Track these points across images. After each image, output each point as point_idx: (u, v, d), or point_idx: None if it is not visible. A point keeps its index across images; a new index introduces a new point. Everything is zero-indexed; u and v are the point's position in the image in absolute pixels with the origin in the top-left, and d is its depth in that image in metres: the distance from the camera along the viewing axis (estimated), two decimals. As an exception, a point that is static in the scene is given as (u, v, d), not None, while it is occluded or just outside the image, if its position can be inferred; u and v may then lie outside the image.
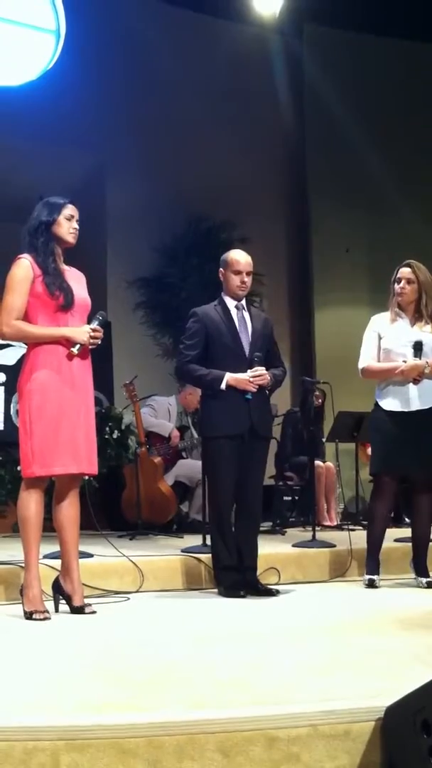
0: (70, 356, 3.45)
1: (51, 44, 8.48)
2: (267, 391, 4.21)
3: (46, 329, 3.45)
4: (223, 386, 4.08)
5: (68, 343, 3.45)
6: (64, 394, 3.44)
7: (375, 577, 4.37)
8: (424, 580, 4.39)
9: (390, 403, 4.36)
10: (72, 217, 3.56)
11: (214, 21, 9.19)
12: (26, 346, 3.57)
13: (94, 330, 3.49)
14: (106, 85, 8.37)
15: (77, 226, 3.57)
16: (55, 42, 8.48)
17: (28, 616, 3.34)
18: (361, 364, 4.45)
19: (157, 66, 8.71)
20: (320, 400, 7.12)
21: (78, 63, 8.20)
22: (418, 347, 4.26)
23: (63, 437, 3.42)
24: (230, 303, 4.25)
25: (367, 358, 4.44)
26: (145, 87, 8.73)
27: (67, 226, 3.54)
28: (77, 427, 3.46)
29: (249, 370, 4.09)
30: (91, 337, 3.48)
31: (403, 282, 4.38)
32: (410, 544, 4.56)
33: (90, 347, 3.52)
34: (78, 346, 3.45)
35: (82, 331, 3.47)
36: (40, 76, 8.37)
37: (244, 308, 4.26)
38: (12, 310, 3.43)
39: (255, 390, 4.09)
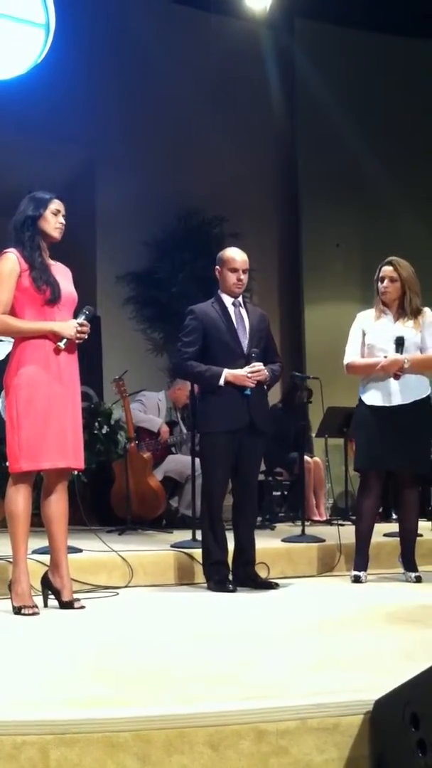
0: (57, 350, 3.45)
1: (40, 38, 8.43)
2: (265, 387, 4.23)
3: (33, 323, 3.44)
4: (221, 382, 4.10)
5: (55, 337, 3.44)
6: (51, 389, 3.43)
7: (361, 573, 4.37)
8: (412, 574, 4.40)
9: (372, 398, 4.37)
10: (58, 212, 3.55)
11: (205, 15, 9.15)
12: (13, 341, 3.55)
13: (81, 324, 3.48)
14: (96, 80, 8.34)
15: (63, 221, 3.56)
16: (44, 36, 8.43)
17: (17, 611, 3.33)
18: (345, 360, 4.48)
19: (148, 60, 8.68)
20: (306, 396, 7.12)
21: (68, 57, 8.16)
22: (399, 343, 4.28)
23: (51, 432, 3.41)
24: (227, 300, 4.27)
25: (351, 354, 4.46)
26: (136, 81, 8.70)
27: (54, 221, 3.53)
28: (65, 422, 3.45)
29: (247, 366, 4.12)
30: (78, 332, 3.47)
31: (386, 281, 4.39)
32: (399, 538, 4.58)
33: (77, 342, 3.51)
34: (64, 340, 3.44)
35: (69, 326, 3.46)
36: (29, 70, 8.33)
37: (240, 305, 4.29)
38: None
39: (253, 385, 4.11)
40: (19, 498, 3.40)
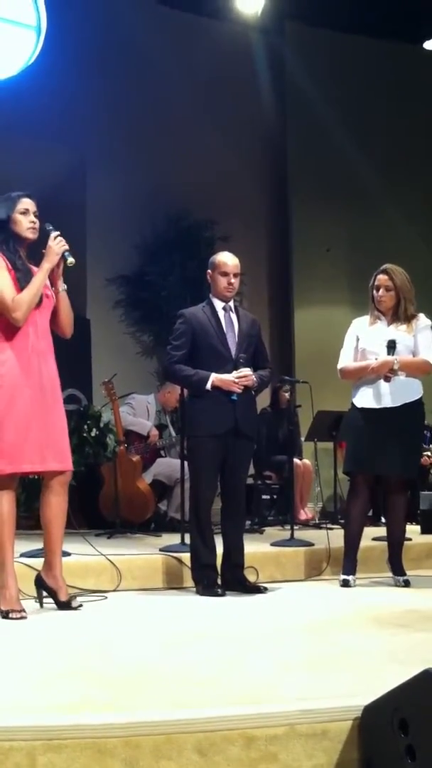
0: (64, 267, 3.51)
1: (32, 40, 8.41)
2: (253, 392, 4.24)
3: (35, 280, 3.42)
4: (208, 386, 4.11)
5: (36, 338, 3.42)
6: (32, 392, 3.39)
7: (350, 577, 4.37)
8: (401, 578, 4.41)
9: (362, 400, 4.39)
10: (27, 210, 3.45)
11: (197, 18, 9.17)
12: None
13: (55, 238, 3.49)
14: (87, 82, 8.33)
15: (35, 220, 3.48)
16: (35, 38, 8.41)
17: (4, 615, 3.31)
18: (339, 366, 4.52)
19: (139, 62, 8.68)
20: (287, 395, 7.13)
21: (59, 59, 8.14)
22: (391, 345, 4.30)
23: (32, 435, 3.37)
24: (218, 304, 4.27)
25: (345, 360, 4.48)
26: (127, 83, 8.70)
27: (24, 221, 3.45)
28: (47, 425, 3.42)
29: (234, 371, 4.11)
30: (58, 244, 3.48)
31: (381, 290, 4.41)
32: (387, 542, 4.58)
33: (66, 252, 3.51)
34: (70, 258, 3.48)
35: (53, 249, 3.47)
36: (20, 72, 8.30)
37: (231, 309, 4.29)
38: (7, 292, 3.36)
39: (240, 391, 4.11)
40: (3, 501, 3.36)
